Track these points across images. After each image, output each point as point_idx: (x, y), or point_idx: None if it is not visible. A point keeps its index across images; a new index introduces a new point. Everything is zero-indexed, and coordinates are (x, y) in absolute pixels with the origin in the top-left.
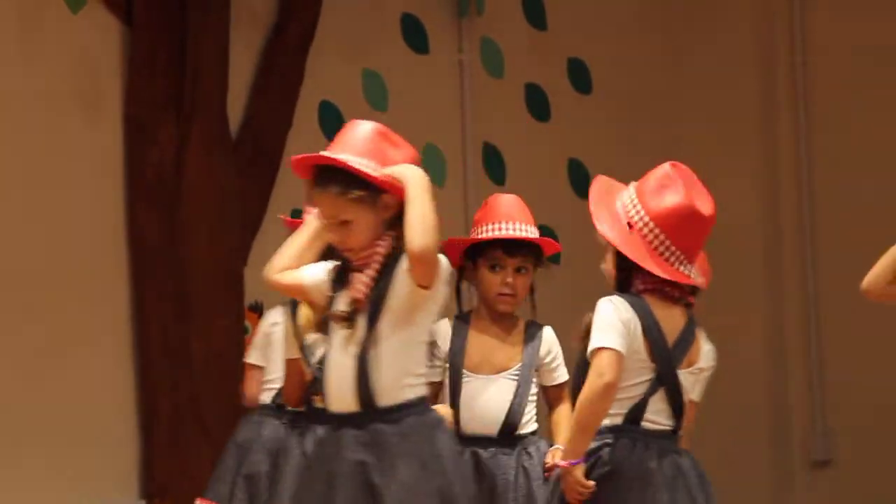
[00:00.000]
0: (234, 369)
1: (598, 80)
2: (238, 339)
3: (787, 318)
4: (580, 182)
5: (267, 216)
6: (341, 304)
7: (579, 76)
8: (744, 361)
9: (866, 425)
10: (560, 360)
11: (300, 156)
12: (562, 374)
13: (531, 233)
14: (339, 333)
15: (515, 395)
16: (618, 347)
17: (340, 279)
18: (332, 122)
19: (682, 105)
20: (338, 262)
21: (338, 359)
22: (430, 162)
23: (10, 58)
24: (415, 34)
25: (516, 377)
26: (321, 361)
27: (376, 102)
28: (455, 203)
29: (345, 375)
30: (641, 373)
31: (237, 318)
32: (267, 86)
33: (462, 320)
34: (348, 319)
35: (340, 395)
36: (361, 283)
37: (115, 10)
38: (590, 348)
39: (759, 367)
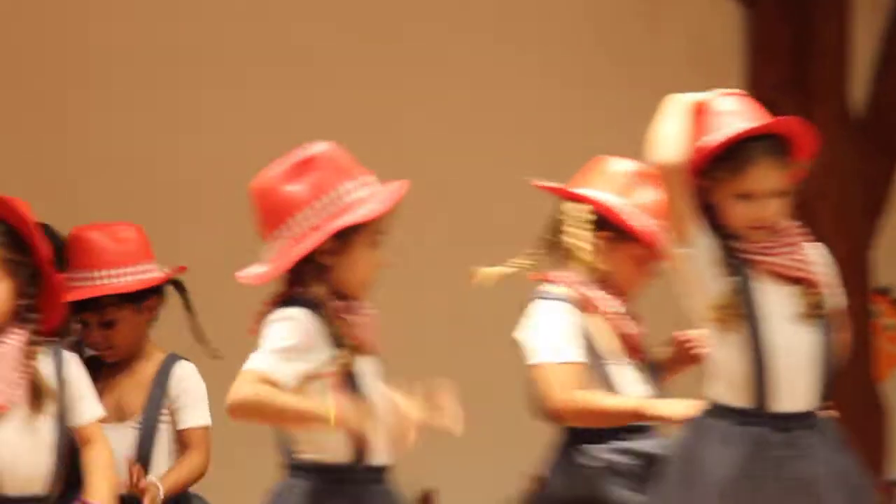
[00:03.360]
0: (863, 354)
1: None
2: (864, 322)
3: None
4: None
5: (891, 199)
6: None
7: None
8: None
9: None
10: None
11: None
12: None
13: (113, 280)
14: None
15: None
16: None
17: None
18: None
19: None
20: None
21: None
22: None
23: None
24: None
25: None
26: None
27: None
28: None
29: None
30: None
31: (862, 301)
32: (891, 68)
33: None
34: None
35: None
36: None
37: None
38: None
39: None
